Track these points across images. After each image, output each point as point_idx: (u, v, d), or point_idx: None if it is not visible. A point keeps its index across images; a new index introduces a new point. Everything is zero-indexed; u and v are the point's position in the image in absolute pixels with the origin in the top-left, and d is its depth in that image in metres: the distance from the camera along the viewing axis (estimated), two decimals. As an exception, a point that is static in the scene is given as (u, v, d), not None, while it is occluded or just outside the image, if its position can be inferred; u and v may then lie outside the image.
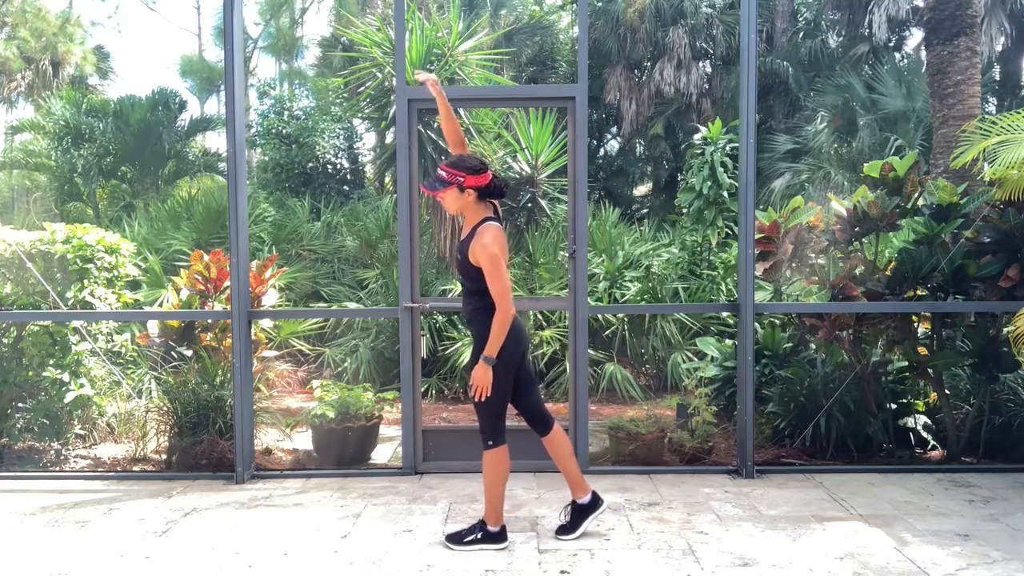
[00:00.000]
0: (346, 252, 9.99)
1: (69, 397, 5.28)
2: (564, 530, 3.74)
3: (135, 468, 5.11)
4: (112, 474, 4.99)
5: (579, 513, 3.76)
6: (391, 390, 6.88)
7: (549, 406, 7.62)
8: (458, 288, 8.85)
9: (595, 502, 3.77)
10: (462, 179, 3.46)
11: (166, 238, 9.65)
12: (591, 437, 5.07)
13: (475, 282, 3.50)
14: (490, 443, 3.55)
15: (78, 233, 5.66)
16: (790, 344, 5.74)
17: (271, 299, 5.90)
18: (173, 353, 5.57)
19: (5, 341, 5.42)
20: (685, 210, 8.82)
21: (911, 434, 5.26)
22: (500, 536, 3.63)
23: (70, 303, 5.54)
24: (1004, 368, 4.99)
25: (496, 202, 3.66)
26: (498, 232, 3.48)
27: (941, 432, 5.26)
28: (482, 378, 3.45)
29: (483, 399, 3.48)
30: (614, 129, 18.00)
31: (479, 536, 3.61)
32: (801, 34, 16.57)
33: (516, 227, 10.03)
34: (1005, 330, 4.95)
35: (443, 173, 3.50)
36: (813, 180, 12.84)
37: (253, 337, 5.09)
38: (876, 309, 5.05)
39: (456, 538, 3.63)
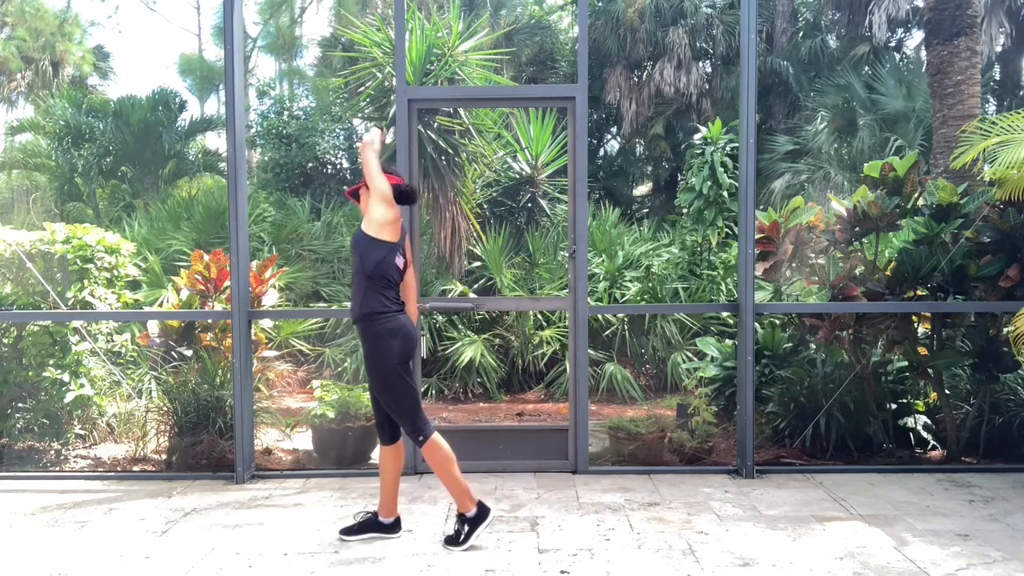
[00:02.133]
0: (346, 252, 9.98)
1: (69, 397, 5.28)
2: (349, 530, 3.78)
3: (135, 468, 5.11)
4: (112, 474, 4.99)
5: (371, 525, 3.78)
6: (391, 390, 6.87)
7: (548, 406, 7.71)
8: (458, 288, 8.85)
9: (394, 527, 3.80)
10: None
11: (166, 238, 9.64)
12: (591, 437, 5.07)
13: (366, 257, 3.55)
14: (421, 439, 3.59)
15: (78, 233, 5.66)
16: (790, 344, 5.74)
17: (271, 299, 5.90)
18: (173, 353, 5.57)
19: (5, 341, 5.42)
20: (685, 210, 8.82)
21: (911, 434, 5.26)
22: (481, 515, 3.65)
23: (70, 303, 5.54)
24: (1004, 368, 4.99)
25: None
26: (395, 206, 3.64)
27: (941, 432, 5.26)
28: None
29: (393, 399, 3.55)
30: (614, 129, 17.99)
31: (467, 529, 3.63)
32: (801, 34, 16.56)
33: (516, 227, 10.03)
34: (1005, 330, 4.95)
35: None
36: (813, 180, 12.84)
37: (253, 337, 5.09)
38: (876, 309, 5.05)
39: (453, 540, 3.64)
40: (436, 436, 3.61)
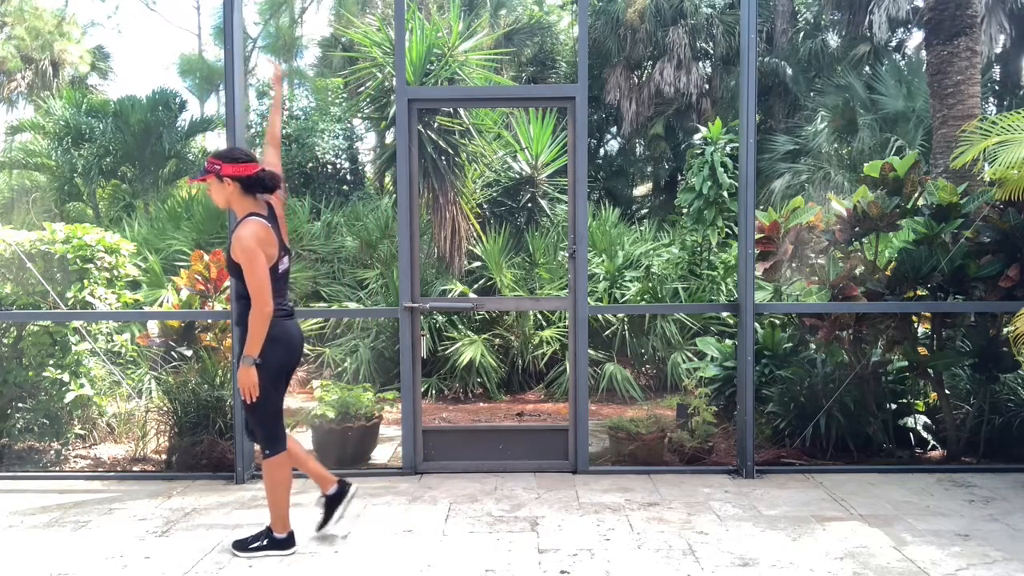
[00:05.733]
0: (346, 252, 9.99)
1: (69, 397, 5.28)
2: (323, 524, 3.77)
3: (135, 468, 5.11)
4: (112, 474, 4.99)
5: (330, 504, 3.76)
6: (391, 390, 6.88)
7: (548, 406, 7.71)
8: (458, 288, 8.86)
9: (342, 489, 3.77)
10: (219, 167, 3.40)
11: (166, 238, 9.64)
12: (591, 437, 5.07)
13: (241, 281, 3.39)
14: (267, 452, 3.50)
15: (78, 233, 5.66)
16: (790, 344, 5.74)
17: (271, 299, 5.89)
18: (173, 353, 5.57)
19: (5, 341, 5.42)
20: (685, 210, 8.81)
21: (911, 434, 5.26)
22: (287, 542, 3.58)
23: (70, 303, 5.54)
24: (1004, 368, 4.99)
25: (272, 201, 3.56)
26: (259, 227, 3.37)
27: (941, 432, 5.26)
28: (245, 379, 3.35)
29: (252, 402, 3.39)
30: (614, 129, 18.00)
31: (265, 543, 3.57)
32: (801, 34, 16.56)
33: (516, 227, 10.03)
34: (1005, 330, 4.95)
35: (206, 163, 3.48)
36: (813, 180, 12.84)
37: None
38: (876, 309, 5.05)
39: (241, 545, 3.59)
40: (282, 458, 3.52)
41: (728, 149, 8.24)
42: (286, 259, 3.55)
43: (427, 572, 3.37)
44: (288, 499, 3.59)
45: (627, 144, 17.71)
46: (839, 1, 15.96)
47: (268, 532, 3.60)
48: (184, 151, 14.19)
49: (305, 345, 7.91)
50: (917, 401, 5.44)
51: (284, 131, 12.91)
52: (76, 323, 5.44)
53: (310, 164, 12.85)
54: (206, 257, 5.77)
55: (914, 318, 5.27)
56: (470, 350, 8.06)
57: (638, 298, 8.46)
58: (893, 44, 16.13)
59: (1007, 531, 3.79)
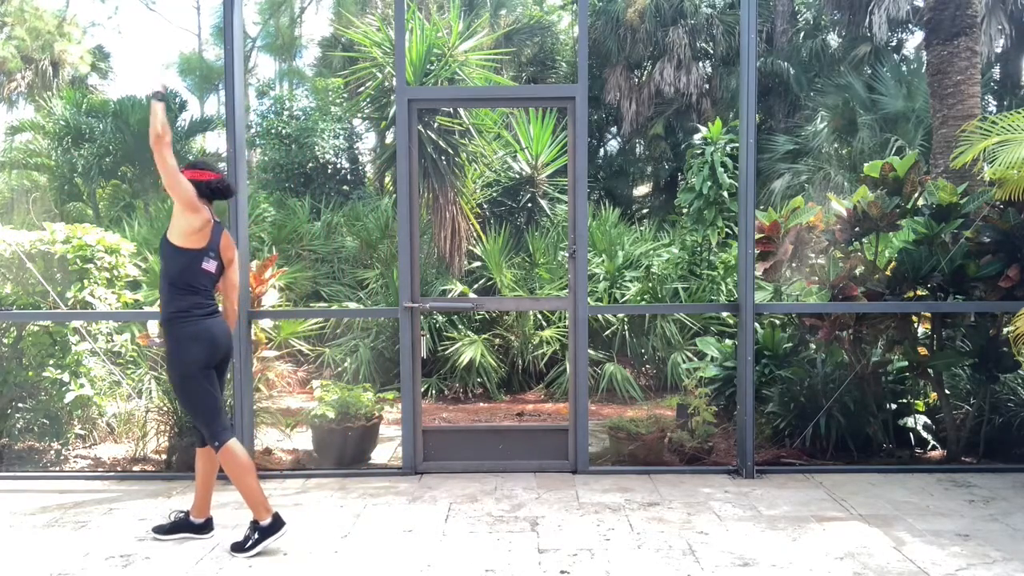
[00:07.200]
0: (346, 252, 9.99)
1: (69, 397, 5.27)
2: (160, 529, 3.83)
3: (135, 468, 5.11)
4: (112, 474, 4.99)
5: (185, 525, 3.82)
6: (391, 390, 6.88)
7: (548, 406, 7.71)
8: (458, 288, 8.85)
9: (204, 527, 3.83)
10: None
11: (166, 238, 9.61)
12: (591, 437, 5.07)
13: (169, 265, 3.56)
14: (216, 444, 3.56)
15: (78, 233, 5.65)
16: (790, 344, 5.74)
17: (271, 299, 5.89)
18: (173, 353, 5.55)
19: (5, 341, 5.41)
20: (685, 210, 8.82)
21: (911, 434, 5.26)
22: (275, 526, 3.61)
23: (70, 303, 5.54)
24: (1004, 368, 4.99)
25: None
26: (206, 212, 3.61)
27: (941, 432, 5.26)
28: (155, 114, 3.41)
29: (186, 397, 3.57)
30: (614, 129, 17.99)
31: (257, 536, 3.59)
32: (801, 34, 16.56)
33: (516, 227, 10.03)
34: (1005, 330, 4.95)
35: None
36: (813, 180, 12.84)
37: (253, 337, 5.09)
38: (876, 309, 5.05)
39: (240, 547, 3.60)
40: (232, 444, 3.58)
41: (728, 149, 8.24)
42: (214, 264, 3.67)
43: (427, 572, 3.37)
44: (257, 482, 3.60)
45: (627, 144, 17.71)
46: (839, 1, 15.96)
47: (255, 525, 3.61)
48: (184, 151, 14.17)
49: (306, 345, 7.93)
50: (917, 401, 5.44)
51: (284, 131, 12.92)
52: (76, 323, 5.43)
53: (310, 164, 12.85)
54: (206, 257, 5.76)
55: (914, 318, 5.27)
56: (470, 350, 8.06)
57: (638, 298, 8.46)
58: (893, 44, 16.12)
59: (1007, 531, 3.79)
